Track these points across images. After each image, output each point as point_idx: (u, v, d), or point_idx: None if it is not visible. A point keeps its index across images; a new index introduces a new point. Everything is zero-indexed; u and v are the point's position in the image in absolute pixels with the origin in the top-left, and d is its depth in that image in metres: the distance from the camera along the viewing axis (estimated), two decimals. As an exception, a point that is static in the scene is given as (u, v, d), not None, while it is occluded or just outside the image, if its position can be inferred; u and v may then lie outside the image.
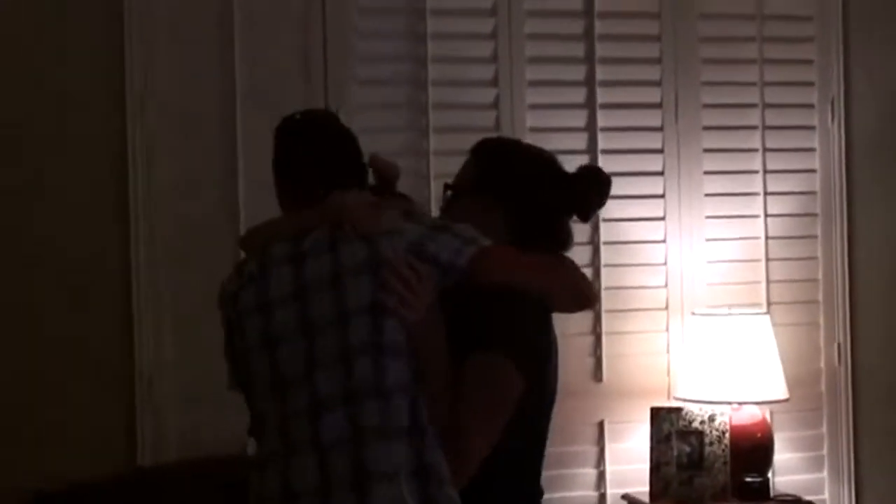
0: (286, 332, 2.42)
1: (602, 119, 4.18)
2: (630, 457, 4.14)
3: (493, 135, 2.82)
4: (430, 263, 2.41)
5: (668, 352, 4.22)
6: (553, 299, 2.58)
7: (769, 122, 4.34)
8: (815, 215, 4.39)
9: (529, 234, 2.58)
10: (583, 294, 2.67)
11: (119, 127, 3.79)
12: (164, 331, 3.79)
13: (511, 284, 2.48)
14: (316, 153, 2.58)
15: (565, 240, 2.66)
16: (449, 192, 2.69)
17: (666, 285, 4.23)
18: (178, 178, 3.83)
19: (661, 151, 4.24)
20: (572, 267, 2.66)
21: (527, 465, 2.61)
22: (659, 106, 4.25)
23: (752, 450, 4.04)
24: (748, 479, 3.99)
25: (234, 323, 2.52)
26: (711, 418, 4.03)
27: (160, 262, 3.79)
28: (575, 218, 2.71)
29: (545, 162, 2.71)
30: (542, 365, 2.55)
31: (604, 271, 4.15)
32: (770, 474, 4.10)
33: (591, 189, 2.70)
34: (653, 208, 4.23)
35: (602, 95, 4.18)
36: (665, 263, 4.24)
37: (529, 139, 3.99)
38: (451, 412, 2.40)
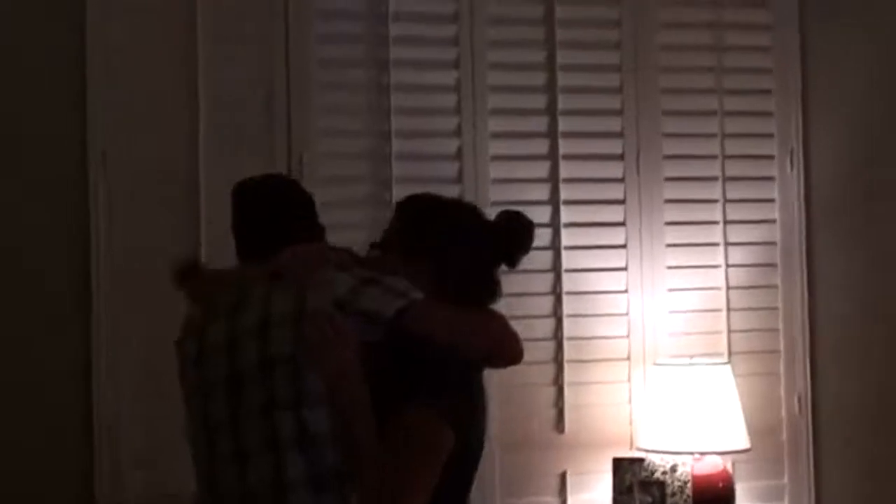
0: (216, 382, 2.48)
1: (564, 170, 4.20)
2: (593, 508, 4.14)
3: (418, 191, 2.88)
4: (357, 316, 2.42)
5: (630, 402, 4.23)
6: (482, 355, 2.58)
7: (729, 173, 4.37)
8: (775, 265, 4.42)
9: (458, 288, 2.58)
10: (511, 349, 2.66)
11: (81, 177, 3.80)
12: (123, 378, 3.77)
13: (438, 339, 2.48)
14: (263, 214, 2.70)
15: (494, 291, 2.67)
16: (375, 250, 2.70)
17: (628, 335, 4.24)
18: (141, 228, 3.82)
19: (622, 202, 4.27)
20: (501, 322, 2.65)
21: None
22: (621, 157, 4.28)
23: (714, 500, 4.03)
24: (710, 530, 3.99)
25: (180, 370, 2.61)
26: (673, 468, 4.03)
27: (120, 309, 3.78)
28: (504, 267, 2.72)
29: (468, 214, 2.73)
30: (474, 423, 2.54)
31: (566, 321, 4.17)
32: (732, 525, 4.11)
33: (516, 236, 2.70)
34: (615, 259, 4.25)
35: (564, 146, 4.21)
36: (627, 313, 4.25)
37: (492, 190, 4.06)
38: (380, 470, 2.37)
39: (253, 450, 2.40)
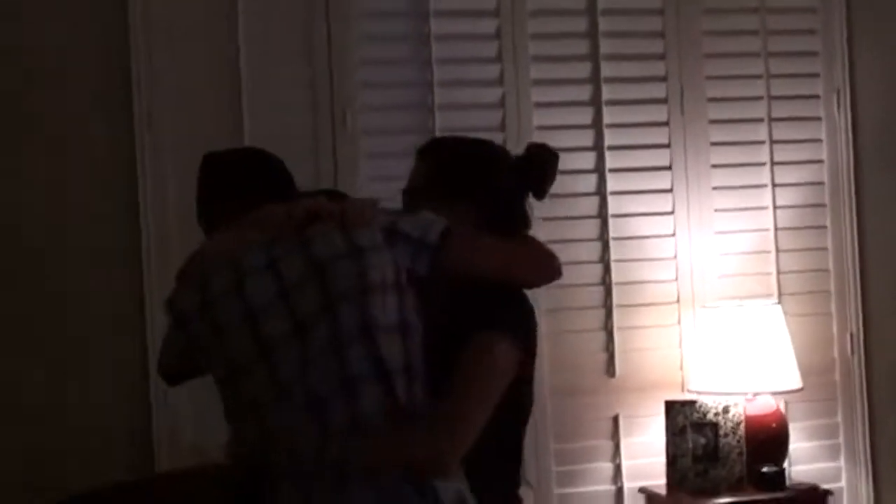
0: (279, 338, 2.40)
1: (608, 116, 4.20)
2: (646, 450, 4.15)
3: (438, 135, 2.93)
4: (402, 241, 2.43)
5: (680, 345, 4.23)
6: (522, 277, 2.63)
7: (775, 114, 4.35)
8: (823, 206, 4.40)
9: (494, 222, 2.63)
10: (549, 268, 2.70)
11: (128, 139, 3.85)
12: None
13: (481, 269, 2.52)
14: (245, 181, 2.67)
15: (527, 221, 2.73)
16: (406, 196, 2.74)
17: (676, 279, 4.24)
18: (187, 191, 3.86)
19: (667, 146, 4.26)
20: (536, 244, 2.71)
21: (514, 446, 2.64)
22: (665, 101, 4.27)
23: (768, 440, 4.05)
24: (764, 470, 3.99)
25: (208, 333, 2.49)
26: (726, 410, 4.04)
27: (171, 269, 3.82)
28: (531, 197, 2.76)
29: (493, 150, 2.80)
30: (531, 341, 2.59)
31: (614, 266, 4.18)
32: (786, 464, 4.11)
33: (544, 167, 2.75)
34: (661, 203, 4.25)
35: (607, 92, 4.21)
36: (675, 257, 4.25)
37: (536, 137, 4.05)
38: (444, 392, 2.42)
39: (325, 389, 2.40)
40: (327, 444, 2.35)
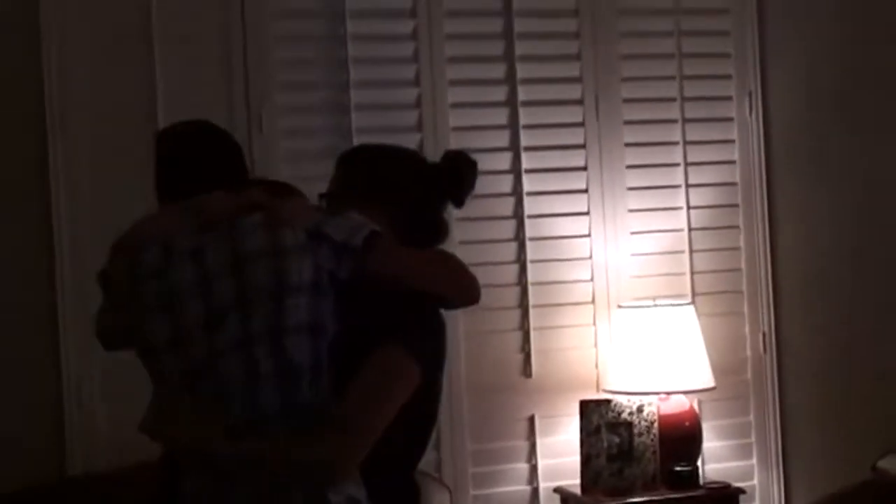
0: (192, 326, 2.43)
1: (524, 117, 4.21)
2: (561, 450, 4.17)
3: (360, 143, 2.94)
4: (326, 243, 2.43)
5: (595, 345, 4.26)
6: (444, 294, 2.61)
7: (689, 115, 4.39)
8: (736, 206, 4.45)
9: (409, 231, 2.62)
10: (471, 289, 2.69)
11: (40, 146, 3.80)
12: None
13: (404, 279, 2.51)
14: (193, 155, 2.64)
15: (444, 231, 2.72)
16: (324, 201, 2.72)
17: (592, 279, 4.27)
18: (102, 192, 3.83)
19: (583, 147, 4.28)
20: (456, 262, 2.69)
21: (406, 458, 2.62)
22: (580, 102, 4.29)
23: (681, 439, 4.09)
24: (678, 468, 4.03)
25: (132, 307, 2.51)
26: (640, 409, 4.07)
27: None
28: (451, 206, 2.76)
29: (411, 157, 2.79)
30: (438, 361, 2.57)
31: (530, 267, 4.19)
32: (699, 462, 4.16)
33: (460, 174, 2.73)
34: (577, 203, 4.27)
35: (523, 93, 4.22)
36: (590, 257, 4.28)
37: (452, 138, 4.07)
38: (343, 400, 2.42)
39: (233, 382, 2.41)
40: (227, 439, 2.38)
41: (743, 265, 4.45)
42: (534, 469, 4.17)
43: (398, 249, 2.56)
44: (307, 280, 2.42)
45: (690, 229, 4.38)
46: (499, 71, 4.21)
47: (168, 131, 2.73)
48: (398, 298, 2.51)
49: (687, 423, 4.11)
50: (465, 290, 2.65)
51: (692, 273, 4.37)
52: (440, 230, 2.71)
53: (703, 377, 4.11)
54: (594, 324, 4.26)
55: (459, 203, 2.74)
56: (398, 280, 2.51)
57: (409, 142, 3.91)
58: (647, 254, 4.34)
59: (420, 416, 2.56)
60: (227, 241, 2.45)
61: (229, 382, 2.39)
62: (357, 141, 3.98)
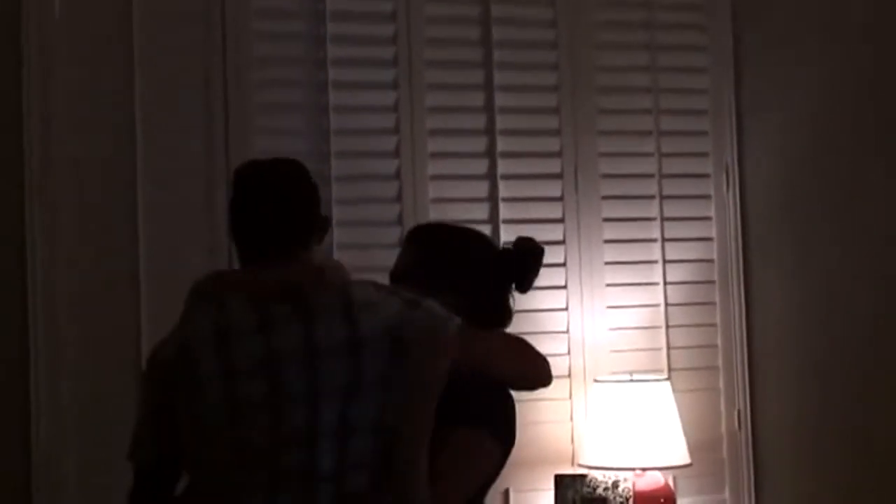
0: (252, 406, 2.32)
1: (503, 190, 4.23)
2: (536, 525, 4.15)
3: (424, 221, 2.96)
4: (424, 311, 2.40)
5: (571, 419, 4.25)
6: (518, 380, 2.63)
7: (666, 192, 4.42)
8: (712, 282, 4.47)
9: (476, 314, 2.63)
10: (546, 372, 2.72)
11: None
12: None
13: (487, 364, 2.51)
14: (255, 210, 2.49)
15: (509, 315, 2.76)
16: (392, 282, 2.74)
17: (568, 353, 4.27)
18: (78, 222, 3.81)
19: (561, 221, 4.30)
20: (527, 344, 2.73)
21: None
22: (559, 176, 4.32)
23: (657, 515, 4.07)
24: (653, 545, 4.02)
25: (186, 390, 2.37)
26: (615, 484, 4.06)
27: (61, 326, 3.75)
28: (513, 290, 2.79)
29: (482, 242, 2.82)
30: (511, 436, 2.66)
31: (507, 340, 4.18)
32: (674, 539, 4.14)
33: (529, 261, 2.82)
34: (554, 277, 4.27)
35: (503, 167, 4.24)
36: (567, 331, 4.28)
37: (431, 210, 4.07)
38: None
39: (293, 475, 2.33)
40: None
41: (719, 341, 4.46)
42: (508, 543, 4.15)
43: (480, 335, 2.56)
44: (377, 376, 2.35)
45: (667, 304, 4.39)
46: (480, 144, 4.24)
47: (248, 175, 2.55)
48: (476, 382, 2.51)
49: (662, 500, 4.08)
50: (540, 373, 2.67)
51: (668, 348, 4.38)
52: (506, 314, 2.73)
53: (679, 454, 4.11)
54: (570, 398, 4.26)
55: (526, 289, 2.77)
56: (481, 365, 2.51)
57: (389, 211, 3.94)
58: (624, 328, 4.34)
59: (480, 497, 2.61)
60: (301, 323, 2.34)
61: (287, 474, 2.31)
62: (335, 143, 4.00)
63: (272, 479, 2.31)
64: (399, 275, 2.72)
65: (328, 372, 2.31)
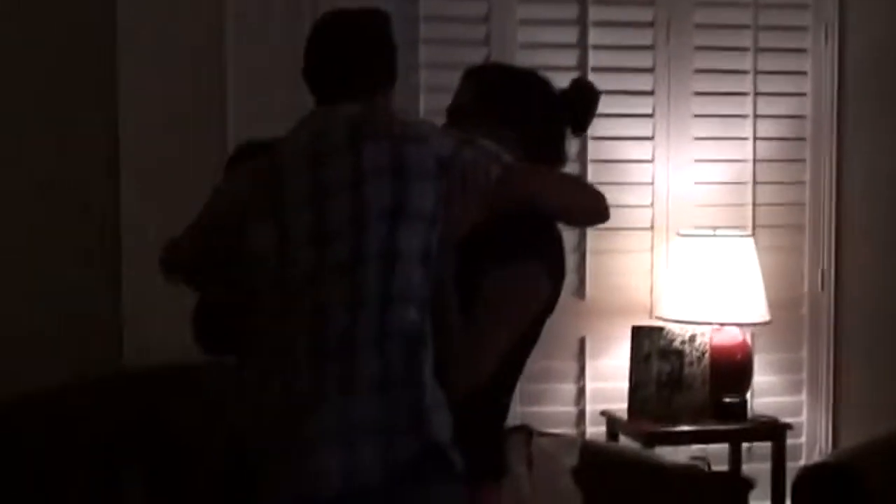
0: (301, 240, 2.36)
1: (594, 36, 4.16)
2: (610, 374, 4.17)
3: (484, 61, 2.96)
4: (478, 150, 2.40)
5: (651, 272, 4.23)
6: (576, 214, 2.64)
7: (762, 44, 4.31)
8: (804, 139, 4.39)
9: (535, 152, 2.63)
10: (603, 207, 2.70)
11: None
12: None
13: (543, 197, 2.51)
14: (326, 55, 2.51)
15: (565, 154, 2.75)
16: (451, 117, 2.72)
17: (652, 205, 4.23)
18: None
19: (651, 71, 4.23)
20: (582, 181, 2.74)
21: (515, 375, 2.65)
22: (651, 25, 4.23)
23: (732, 371, 4.06)
24: (727, 400, 4.02)
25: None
26: (692, 338, 4.05)
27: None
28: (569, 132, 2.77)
29: (540, 80, 2.79)
30: (562, 273, 2.61)
31: (590, 189, 4.16)
32: (749, 396, 4.14)
33: (587, 102, 2.77)
34: (642, 128, 4.22)
35: (594, 13, 4.16)
36: (652, 183, 4.24)
37: (519, 55, 4.01)
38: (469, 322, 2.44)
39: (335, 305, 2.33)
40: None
41: (807, 200, 4.39)
42: (581, 391, 4.18)
43: (535, 172, 2.56)
44: (428, 208, 2.36)
45: (756, 160, 4.32)
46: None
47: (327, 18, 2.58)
48: (522, 217, 2.51)
49: (739, 356, 4.08)
50: (598, 205, 2.66)
51: (754, 205, 4.32)
52: (562, 154, 2.73)
53: (759, 310, 4.08)
54: (651, 250, 4.23)
55: (583, 130, 2.78)
56: (536, 198, 2.51)
57: (476, 56, 3.88)
58: (709, 183, 4.29)
59: (534, 333, 2.59)
60: (349, 155, 2.37)
61: (329, 304, 2.33)
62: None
63: (315, 307, 2.33)
64: (456, 110, 2.71)
65: (374, 193, 2.34)
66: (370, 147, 2.37)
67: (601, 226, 4.03)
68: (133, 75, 3.79)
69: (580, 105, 2.73)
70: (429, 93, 3.91)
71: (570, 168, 4.02)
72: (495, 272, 2.46)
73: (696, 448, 4.06)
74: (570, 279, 4.07)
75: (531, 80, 2.77)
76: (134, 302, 3.78)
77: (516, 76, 2.77)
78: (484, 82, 2.74)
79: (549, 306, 2.57)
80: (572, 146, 3.93)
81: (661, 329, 4.08)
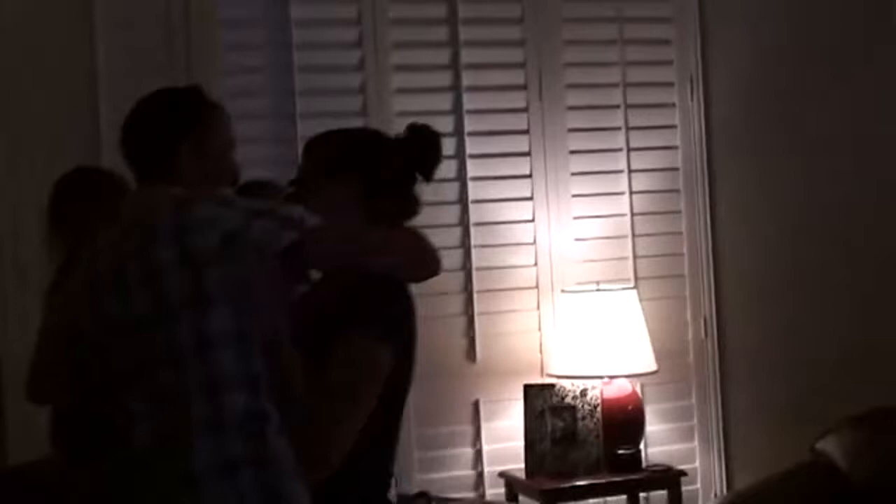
0: (109, 329, 2.37)
1: (468, 102, 4.22)
2: (506, 434, 4.19)
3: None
4: (267, 216, 2.35)
5: (539, 329, 4.28)
6: (400, 270, 2.58)
7: (631, 101, 4.41)
8: (678, 191, 4.48)
9: (382, 207, 2.61)
10: (424, 262, 2.66)
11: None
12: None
13: (353, 263, 2.49)
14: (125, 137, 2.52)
15: (417, 204, 2.70)
16: (293, 188, 2.71)
17: (535, 264, 4.28)
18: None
19: (526, 132, 4.30)
20: (413, 235, 2.65)
21: (387, 448, 2.61)
22: (524, 87, 4.30)
23: (624, 422, 4.11)
24: (621, 452, 4.07)
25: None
26: (583, 393, 4.10)
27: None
28: (420, 179, 2.75)
29: (376, 134, 2.79)
30: (407, 340, 2.57)
31: (474, 252, 4.20)
32: (642, 445, 4.19)
33: (425, 144, 2.73)
34: (520, 188, 4.29)
35: (467, 78, 4.22)
36: (534, 243, 4.29)
37: (396, 123, 4.01)
38: (309, 399, 2.40)
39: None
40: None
41: (685, 250, 4.48)
42: (479, 453, 4.19)
43: (341, 234, 2.52)
44: (228, 288, 2.33)
45: (633, 214, 4.41)
46: (443, 56, 4.21)
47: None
48: (370, 283, 2.48)
49: (630, 407, 4.13)
50: (419, 262, 2.61)
51: (635, 257, 4.40)
52: (412, 205, 2.68)
53: (646, 361, 4.15)
54: (538, 308, 4.28)
55: (428, 175, 2.71)
56: (352, 261, 2.48)
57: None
58: (590, 238, 4.36)
59: (395, 401, 2.55)
60: (140, 252, 2.36)
61: (158, 395, 2.33)
62: (301, 127, 3.98)
63: (145, 397, 2.34)
64: (298, 181, 2.70)
65: (171, 286, 2.33)
66: (158, 241, 2.35)
67: (488, 287, 4.19)
68: None
69: (420, 149, 2.69)
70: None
71: (453, 232, 4.14)
72: (337, 343, 2.44)
73: (593, 502, 4.09)
74: (459, 343, 4.19)
75: (363, 135, 2.79)
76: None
77: (349, 135, 2.76)
78: (321, 148, 2.73)
79: (400, 376, 2.53)
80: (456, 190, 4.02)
81: (552, 386, 4.12)
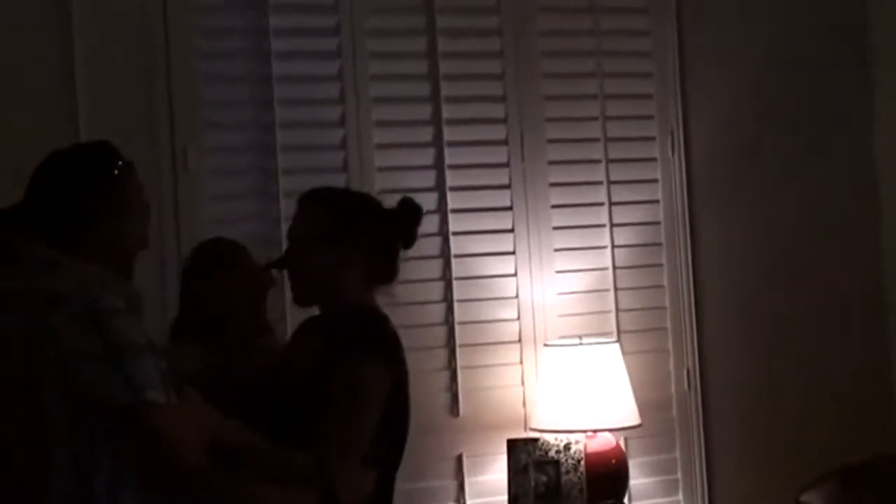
0: None
1: (449, 157, 4.24)
2: (489, 489, 4.18)
3: (317, 185, 2.99)
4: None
5: (522, 383, 4.27)
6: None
7: (612, 156, 4.44)
8: (659, 245, 4.50)
9: (379, 267, 2.71)
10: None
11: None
12: None
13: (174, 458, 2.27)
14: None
15: (397, 273, 2.87)
16: (296, 244, 2.80)
17: (518, 318, 4.29)
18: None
19: (508, 187, 4.32)
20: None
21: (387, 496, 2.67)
22: (505, 142, 4.32)
23: (608, 476, 4.10)
24: (604, 506, 4.06)
25: None
26: (567, 447, 4.09)
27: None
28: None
29: (370, 201, 2.94)
30: (401, 363, 2.74)
31: (457, 306, 4.21)
32: (626, 499, 4.17)
33: (413, 218, 2.98)
34: (503, 243, 4.30)
35: (448, 133, 4.24)
36: (517, 296, 4.30)
37: (378, 178, 4.07)
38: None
39: None
40: None
41: (667, 303, 4.49)
42: (462, 509, 4.18)
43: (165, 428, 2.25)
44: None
45: (615, 268, 4.42)
46: (425, 111, 4.24)
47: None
48: (349, 319, 2.56)
49: (613, 461, 4.12)
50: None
51: (617, 311, 4.41)
52: (395, 272, 2.88)
53: (629, 415, 4.14)
54: (521, 362, 4.28)
55: (410, 244, 2.94)
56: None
57: (336, 183, 3.92)
58: (572, 292, 4.37)
59: (396, 422, 2.68)
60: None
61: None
62: (283, 182, 4.00)
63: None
64: (302, 238, 2.81)
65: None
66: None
67: (470, 341, 4.19)
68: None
69: (408, 221, 2.90)
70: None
71: (435, 287, 4.15)
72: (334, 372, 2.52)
73: (578, 557, 4.08)
74: (442, 397, 4.18)
75: (362, 202, 2.97)
76: None
77: (347, 199, 2.96)
78: (324, 207, 2.85)
79: (398, 403, 2.60)
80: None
81: (535, 440, 4.11)
